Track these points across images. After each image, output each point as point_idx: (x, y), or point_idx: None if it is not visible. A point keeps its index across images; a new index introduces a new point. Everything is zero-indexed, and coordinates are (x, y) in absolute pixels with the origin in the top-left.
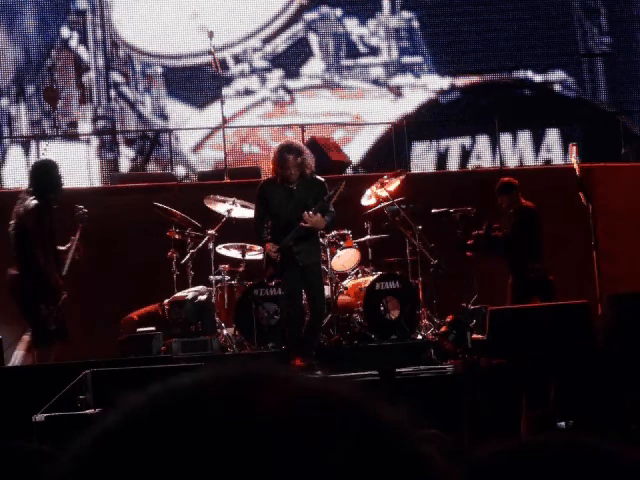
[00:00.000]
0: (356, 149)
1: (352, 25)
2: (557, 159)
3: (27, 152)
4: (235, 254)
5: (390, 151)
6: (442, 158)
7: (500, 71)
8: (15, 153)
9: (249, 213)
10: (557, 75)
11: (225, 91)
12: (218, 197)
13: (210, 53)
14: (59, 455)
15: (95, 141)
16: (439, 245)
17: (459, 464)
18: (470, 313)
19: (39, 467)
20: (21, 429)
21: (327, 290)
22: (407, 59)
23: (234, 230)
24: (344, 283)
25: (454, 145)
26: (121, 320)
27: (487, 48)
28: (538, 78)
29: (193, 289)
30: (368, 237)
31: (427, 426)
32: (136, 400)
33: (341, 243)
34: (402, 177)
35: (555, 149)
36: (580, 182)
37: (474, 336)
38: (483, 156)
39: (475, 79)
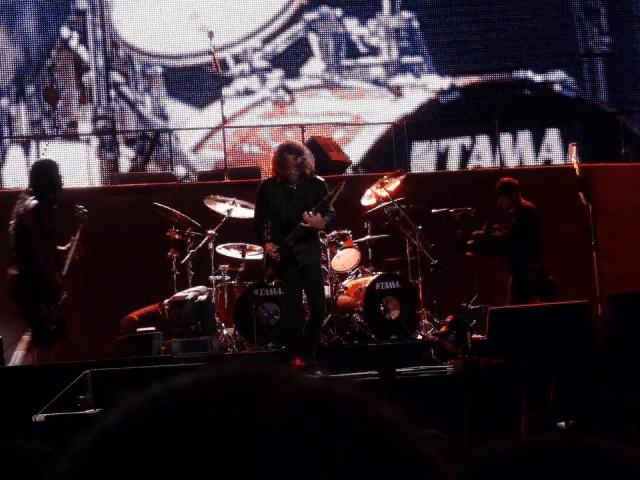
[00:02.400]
0: (356, 149)
1: (352, 25)
2: (557, 159)
3: (27, 152)
4: (235, 254)
5: (390, 151)
6: (442, 158)
7: (500, 71)
8: (15, 153)
9: (249, 213)
10: (557, 75)
11: (225, 91)
12: (218, 197)
13: (210, 53)
14: (59, 455)
15: (95, 141)
16: (439, 245)
17: (459, 464)
18: (470, 313)
19: (39, 467)
20: (21, 429)
21: (327, 290)
22: (407, 59)
23: (234, 230)
24: (344, 283)
25: (454, 145)
26: (121, 320)
27: (487, 48)
28: (538, 78)
29: (193, 289)
30: (368, 237)
31: (427, 426)
32: (136, 400)
33: (341, 243)
34: (402, 177)
35: (555, 149)
36: (580, 182)
37: (474, 336)
38: (483, 156)
39: (475, 79)
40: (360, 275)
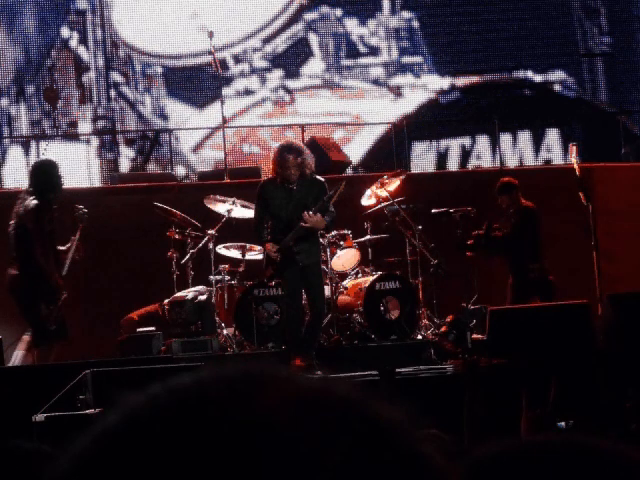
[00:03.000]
0: (356, 149)
1: (352, 25)
2: (557, 159)
3: (27, 152)
4: (235, 254)
5: (390, 151)
6: (442, 158)
7: (500, 71)
8: (15, 153)
9: (249, 213)
10: (557, 75)
11: (225, 91)
12: (218, 197)
13: (210, 53)
14: (59, 455)
15: (95, 141)
16: (439, 245)
17: (459, 464)
18: (470, 313)
19: (39, 467)
20: (21, 429)
21: (327, 290)
22: (407, 59)
23: (234, 230)
24: (344, 283)
25: (454, 145)
26: (121, 320)
27: (487, 48)
28: (538, 78)
29: (193, 289)
30: (368, 237)
31: (427, 426)
32: (136, 400)
33: (341, 243)
34: (402, 177)
35: (555, 149)
36: (580, 182)
37: (474, 336)
38: (483, 156)
39: (475, 79)
40: (360, 275)
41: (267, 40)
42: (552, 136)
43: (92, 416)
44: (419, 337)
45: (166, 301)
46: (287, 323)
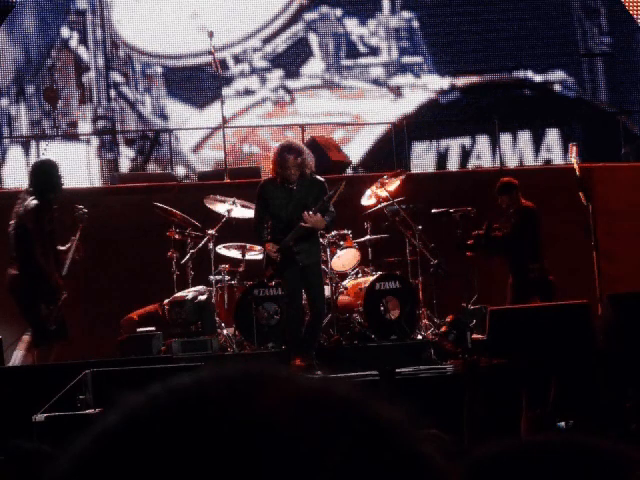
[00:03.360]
0: (356, 149)
1: (352, 25)
2: (557, 159)
3: (27, 152)
4: (235, 254)
5: (390, 151)
6: (442, 158)
7: (500, 71)
8: (15, 153)
9: (249, 213)
10: (557, 75)
11: (225, 91)
12: (218, 197)
13: (210, 53)
14: (59, 455)
15: (95, 141)
16: (439, 245)
17: (459, 464)
18: (470, 313)
19: (39, 467)
20: (21, 429)
21: (327, 290)
22: (407, 59)
23: (234, 230)
24: (344, 283)
25: (454, 145)
26: (121, 320)
27: (487, 48)
28: (538, 78)
29: (193, 289)
30: (368, 237)
31: (427, 426)
32: (136, 400)
33: (341, 243)
34: (402, 177)
35: (555, 149)
36: (580, 182)
37: (474, 336)
38: (483, 156)
39: (475, 79)
40: (360, 275)
41: (267, 40)
42: (552, 136)
43: (92, 416)
44: (419, 337)
45: (166, 301)
46: (287, 323)
